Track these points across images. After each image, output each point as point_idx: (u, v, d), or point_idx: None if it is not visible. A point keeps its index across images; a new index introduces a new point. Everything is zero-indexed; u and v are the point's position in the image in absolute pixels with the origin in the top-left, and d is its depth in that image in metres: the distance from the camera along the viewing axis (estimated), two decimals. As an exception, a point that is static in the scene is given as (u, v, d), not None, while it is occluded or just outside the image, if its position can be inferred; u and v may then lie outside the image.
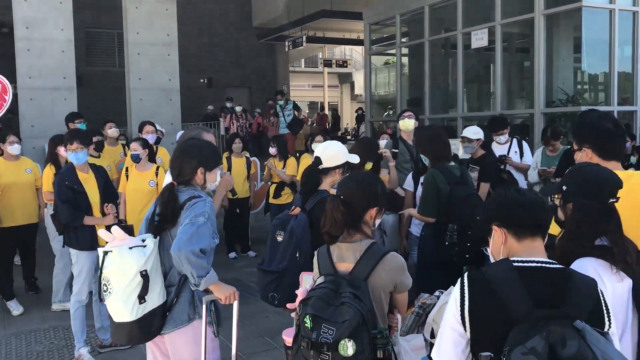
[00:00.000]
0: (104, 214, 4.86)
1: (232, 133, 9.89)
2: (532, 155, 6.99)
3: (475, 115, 12.17)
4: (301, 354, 2.32)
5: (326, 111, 22.02)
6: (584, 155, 2.88)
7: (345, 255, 2.51)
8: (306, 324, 2.28)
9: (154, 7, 12.49)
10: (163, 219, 2.94)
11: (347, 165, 3.68)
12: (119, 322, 2.81)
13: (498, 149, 7.19)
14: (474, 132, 5.90)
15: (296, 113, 13.79)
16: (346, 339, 2.21)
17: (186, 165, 3.05)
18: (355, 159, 3.78)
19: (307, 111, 22.10)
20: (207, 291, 2.93)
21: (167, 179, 3.30)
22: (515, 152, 7.19)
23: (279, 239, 3.41)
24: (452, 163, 4.69)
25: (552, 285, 1.87)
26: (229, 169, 7.99)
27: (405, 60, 14.32)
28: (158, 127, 7.96)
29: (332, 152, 3.63)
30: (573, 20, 10.47)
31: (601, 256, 2.18)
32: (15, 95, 12.41)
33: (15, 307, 6.05)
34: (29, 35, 11.38)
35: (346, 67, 22.59)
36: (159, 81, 12.55)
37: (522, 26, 11.43)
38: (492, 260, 2.07)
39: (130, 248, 2.75)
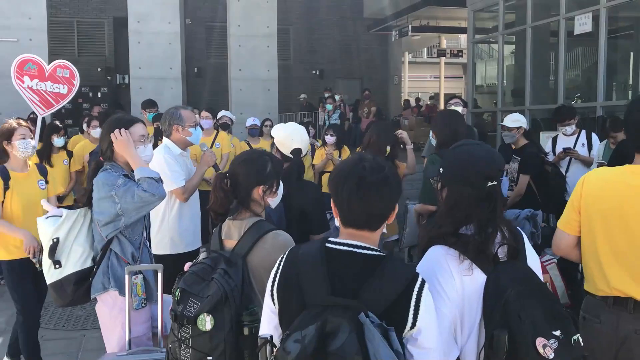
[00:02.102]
0: None
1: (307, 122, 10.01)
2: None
3: (578, 106, 11.35)
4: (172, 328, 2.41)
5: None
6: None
7: (232, 233, 2.55)
8: (175, 297, 2.36)
9: (255, 0, 12.97)
10: (86, 193, 3.18)
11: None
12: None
13: (564, 141, 6.74)
14: (514, 119, 5.57)
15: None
16: (205, 314, 2.26)
17: (103, 141, 3.25)
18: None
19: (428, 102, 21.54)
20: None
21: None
22: (583, 144, 6.70)
23: None
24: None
25: (356, 273, 1.79)
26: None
27: (507, 48, 13.66)
28: (228, 115, 8.33)
29: (306, 142, 3.68)
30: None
31: (453, 245, 1.98)
32: (128, 84, 13.60)
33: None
34: (140, 29, 12.32)
35: (461, 56, 21.87)
36: (257, 72, 13.02)
37: (629, 9, 10.48)
38: None
39: (47, 218, 3.04)
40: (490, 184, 2.02)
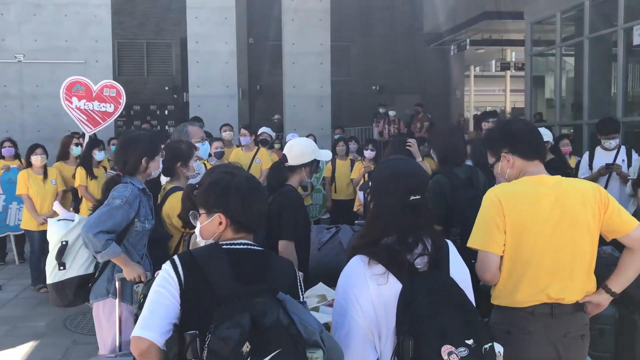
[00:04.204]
0: None
1: (339, 137, 10.10)
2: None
3: (637, 120, 10.92)
4: None
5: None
6: None
7: (199, 243, 2.70)
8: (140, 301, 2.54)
9: (309, 19, 13.26)
10: (99, 204, 3.40)
11: (315, 163, 3.79)
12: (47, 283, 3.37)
13: (604, 156, 6.53)
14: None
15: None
16: None
17: (130, 156, 3.45)
18: (326, 155, 3.90)
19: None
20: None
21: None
22: (623, 160, 6.48)
23: None
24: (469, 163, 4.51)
25: (256, 264, 2.02)
26: (333, 171, 8.34)
27: (565, 60, 13.29)
28: (268, 131, 8.58)
29: (297, 151, 3.75)
30: None
31: (370, 254, 2.06)
32: (187, 103, 14.16)
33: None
34: (198, 49, 12.86)
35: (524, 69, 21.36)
36: (311, 89, 13.28)
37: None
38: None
39: (59, 220, 3.29)
40: (413, 197, 2.09)
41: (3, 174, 7.46)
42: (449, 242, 2.19)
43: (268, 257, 2.09)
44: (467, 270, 2.19)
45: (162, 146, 3.89)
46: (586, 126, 11.60)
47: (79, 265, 3.36)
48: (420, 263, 2.05)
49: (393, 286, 2.01)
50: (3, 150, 7.71)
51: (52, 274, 3.35)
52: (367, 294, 2.01)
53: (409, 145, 4.88)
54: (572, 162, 7.56)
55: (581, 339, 2.58)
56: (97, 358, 3.24)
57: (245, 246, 2.06)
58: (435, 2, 17.03)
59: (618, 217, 2.58)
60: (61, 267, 3.30)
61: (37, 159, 6.92)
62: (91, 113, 6.71)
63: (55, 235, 3.34)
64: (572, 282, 2.53)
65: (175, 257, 2.05)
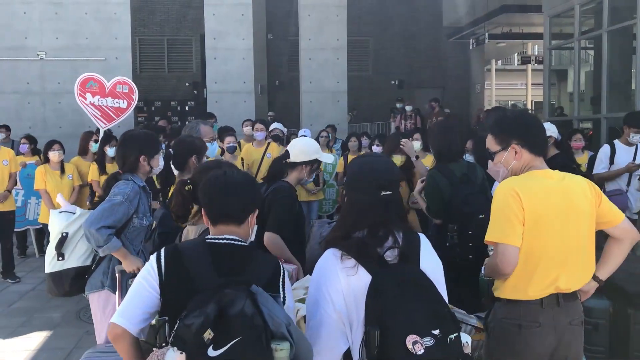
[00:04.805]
0: None
1: (350, 133, 10.13)
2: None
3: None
4: None
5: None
6: None
7: (189, 237, 2.82)
8: None
9: (325, 14, 13.31)
10: (100, 200, 3.53)
11: (316, 163, 3.85)
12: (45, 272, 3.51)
13: (625, 152, 6.37)
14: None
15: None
16: None
17: (128, 154, 3.57)
18: (328, 158, 3.96)
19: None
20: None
21: None
22: (644, 156, 6.36)
23: None
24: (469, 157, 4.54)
25: (237, 258, 2.09)
26: (345, 166, 8.39)
27: (584, 54, 13.14)
28: (280, 127, 8.68)
29: (300, 148, 3.80)
30: None
31: (341, 247, 2.13)
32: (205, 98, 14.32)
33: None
34: (216, 45, 12.99)
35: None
36: (327, 84, 13.34)
37: None
38: None
39: (60, 212, 3.42)
40: (384, 193, 2.16)
41: (22, 170, 7.67)
42: (422, 236, 2.25)
43: (249, 252, 2.15)
44: (440, 264, 2.25)
45: (173, 141, 3.99)
46: (604, 120, 11.47)
47: (77, 256, 3.49)
48: (391, 256, 2.12)
49: (363, 278, 2.08)
50: (21, 146, 7.93)
51: (51, 264, 3.48)
52: (338, 286, 2.09)
53: (402, 145, 4.92)
54: (585, 157, 7.45)
55: (581, 325, 2.67)
56: (97, 347, 3.35)
57: (228, 241, 2.13)
58: (454, -5, 16.97)
59: (610, 210, 2.69)
60: (60, 258, 3.44)
61: (54, 155, 7.11)
62: (105, 109, 6.88)
63: (56, 227, 3.48)
64: (579, 273, 2.61)
65: (162, 250, 2.15)
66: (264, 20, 18.88)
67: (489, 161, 2.82)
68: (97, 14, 12.55)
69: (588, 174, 6.40)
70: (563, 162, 5.41)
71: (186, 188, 2.82)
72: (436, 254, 2.26)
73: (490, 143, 2.78)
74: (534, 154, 2.67)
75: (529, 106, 22.94)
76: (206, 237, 2.16)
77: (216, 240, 2.12)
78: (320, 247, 2.29)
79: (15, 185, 7.50)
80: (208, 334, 1.78)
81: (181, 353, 1.79)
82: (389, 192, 2.18)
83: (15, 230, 7.81)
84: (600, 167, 6.35)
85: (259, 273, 2.07)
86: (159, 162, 3.65)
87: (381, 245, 2.13)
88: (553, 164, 5.35)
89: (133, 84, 6.99)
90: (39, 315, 6.04)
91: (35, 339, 5.42)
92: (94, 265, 3.53)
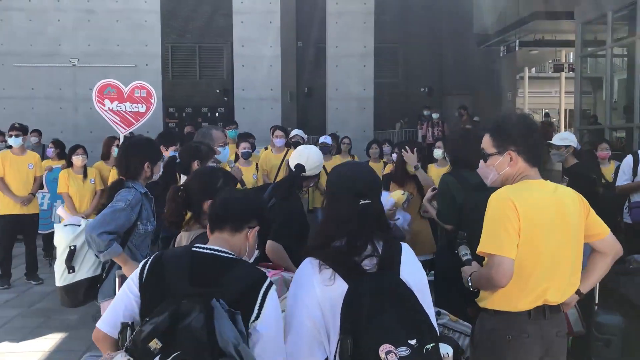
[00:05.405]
0: None
1: (371, 140, 10.03)
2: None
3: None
4: None
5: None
6: None
7: (182, 243, 2.82)
8: None
9: (352, 21, 13.32)
10: (102, 208, 3.57)
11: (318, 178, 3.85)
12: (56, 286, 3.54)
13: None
14: (562, 138, 5.37)
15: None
16: None
17: (132, 161, 3.60)
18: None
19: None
20: None
21: None
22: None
23: None
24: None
25: (215, 269, 2.06)
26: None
27: (616, 61, 12.84)
28: (300, 134, 8.67)
29: (314, 162, 3.77)
30: None
31: (319, 256, 2.11)
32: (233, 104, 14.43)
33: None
34: (243, 52, 13.12)
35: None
36: (353, 91, 13.32)
37: None
38: None
39: (65, 226, 3.45)
40: (362, 202, 2.12)
41: (47, 174, 7.84)
42: (404, 245, 2.21)
43: (232, 263, 2.10)
44: (422, 272, 2.20)
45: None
46: (637, 129, 11.17)
47: (87, 268, 3.53)
48: (369, 264, 2.08)
49: (339, 287, 2.05)
50: (47, 150, 8.10)
51: (62, 277, 3.52)
52: (313, 296, 2.06)
53: (402, 155, 4.88)
54: (611, 167, 7.27)
55: (564, 336, 2.64)
56: (92, 352, 3.40)
57: (212, 251, 2.11)
58: (484, 2, 16.76)
59: (597, 223, 2.66)
60: (70, 271, 3.48)
61: (77, 159, 7.25)
62: (124, 114, 6.98)
63: (63, 240, 3.51)
64: (565, 286, 2.57)
65: (151, 257, 2.17)
66: (293, 27, 18.94)
67: (481, 161, 2.75)
68: (128, 21, 12.81)
69: (611, 185, 6.26)
70: (579, 171, 5.31)
71: (179, 194, 2.84)
72: (419, 263, 2.22)
73: (487, 144, 2.71)
74: (529, 164, 2.62)
75: (562, 114, 22.45)
76: (194, 245, 2.16)
77: (201, 250, 2.12)
78: (302, 256, 2.26)
79: (42, 188, 7.66)
80: (155, 344, 1.78)
81: (128, 359, 1.79)
82: (368, 201, 2.14)
83: (41, 232, 7.97)
84: (623, 178, 6.19)
85: (232, 286, 2.01)
86: (160, 169, 3.70)
87: (359, 254, 2.09)
88: (570, 173, 5.33)
89: (151, 87, 7.08)
90: (57, 316, 6.14)
91: (51, 340, 5.51)
92: (104, 274, 3.57)
